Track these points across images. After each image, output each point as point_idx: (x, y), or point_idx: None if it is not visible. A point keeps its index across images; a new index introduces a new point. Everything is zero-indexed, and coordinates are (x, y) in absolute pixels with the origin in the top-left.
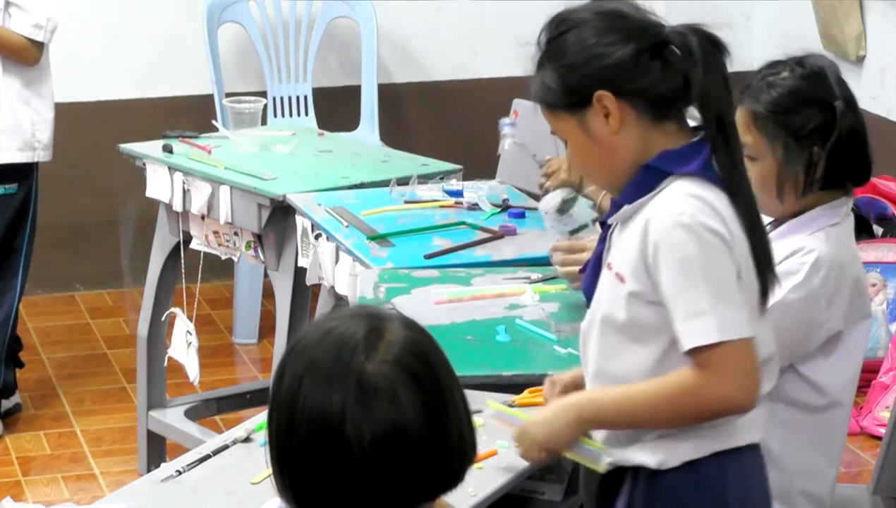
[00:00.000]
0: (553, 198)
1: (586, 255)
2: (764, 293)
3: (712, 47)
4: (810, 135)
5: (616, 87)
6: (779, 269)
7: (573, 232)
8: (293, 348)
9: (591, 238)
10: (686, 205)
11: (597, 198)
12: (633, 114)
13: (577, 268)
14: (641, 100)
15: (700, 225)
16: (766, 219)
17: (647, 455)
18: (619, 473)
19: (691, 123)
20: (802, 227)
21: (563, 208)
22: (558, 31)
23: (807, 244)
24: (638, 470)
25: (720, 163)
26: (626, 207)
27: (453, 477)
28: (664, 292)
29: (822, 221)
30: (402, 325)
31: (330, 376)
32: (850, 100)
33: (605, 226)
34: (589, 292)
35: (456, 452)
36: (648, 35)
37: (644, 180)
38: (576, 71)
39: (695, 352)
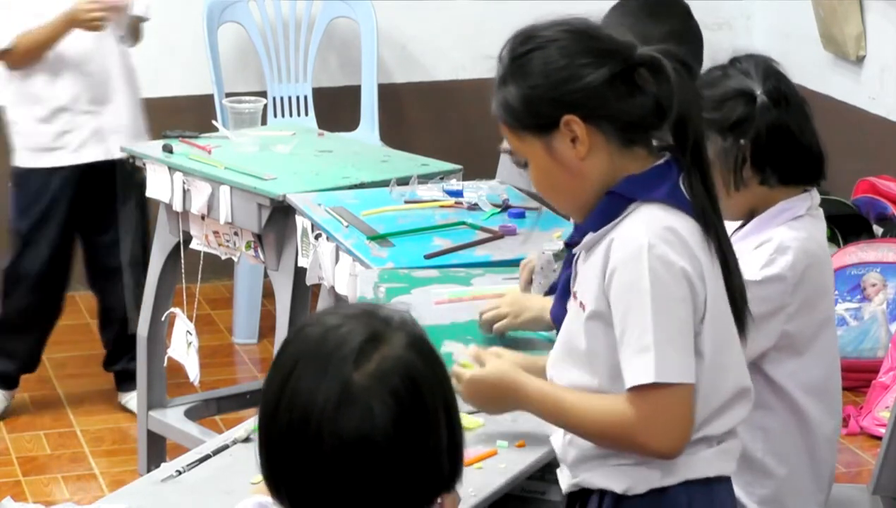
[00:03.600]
0: (556, 244)
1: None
2: (739, 323)
3: (685, 70)
4: (734, 129)
5: (586, 112)
6: (748, 262)
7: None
8: (295, 336)
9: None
10: (648, 234)
11: None
12: (601, 140)
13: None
14: (611, 125)
15: (658, 258)
16: (733, 225)
17: (613, 480)
18: (586, 492)
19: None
20: (765, 224)
21: (560, 256)
22: (524, 48)
23: (772, 235)
24: (604, 493)
25: (693, 190)
26: (590, 235)
27: (423, 500)
28: (615, 321)
29: (783, 216)
30: (404, 342)
31: (318, 374)
32: (776, 93)
33: (570, 249)
34: (557, 318)
35: (428, 479)
36: (621, 58)
37: (609, 207)
38: (543, 93)
39: (632, 389)
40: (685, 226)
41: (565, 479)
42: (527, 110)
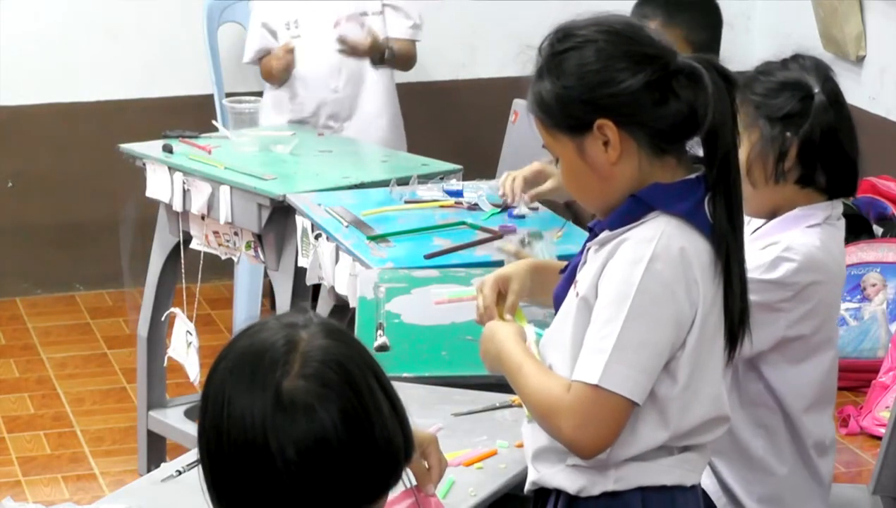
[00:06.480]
0: (516, 235)
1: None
2: (731, 348)
3: (725, 83)
4: (785, 120)
5: (620, 117)
6: (751, 262)
7: None
8: (221, 359)
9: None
10: (656, 247)
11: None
12: (633, 146)
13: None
14: (644, 132)
15: (655, 274)
16: (755, 223)
17: (566, 480)
18: (546, 492)
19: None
20: (779, 227)
21: (525, 243)
22: (562, 46)
23: (781, 238)
24: (559, 494)
25: (715, 207)
26: (606, 233)
27: (388, 477)
28: (594, 310)
29: (800, 222)
30: (319, 333)
31: (250, 392)
32: (834, 97)
33: (592, 233)
34: (558, 299)
35: (385, 453)
36: (659, 65)
37: (629, 210)
38: (578, 95)
39: (576, 381)
40: (696, 246)
41: (529, 478)
42: (560, 110)
